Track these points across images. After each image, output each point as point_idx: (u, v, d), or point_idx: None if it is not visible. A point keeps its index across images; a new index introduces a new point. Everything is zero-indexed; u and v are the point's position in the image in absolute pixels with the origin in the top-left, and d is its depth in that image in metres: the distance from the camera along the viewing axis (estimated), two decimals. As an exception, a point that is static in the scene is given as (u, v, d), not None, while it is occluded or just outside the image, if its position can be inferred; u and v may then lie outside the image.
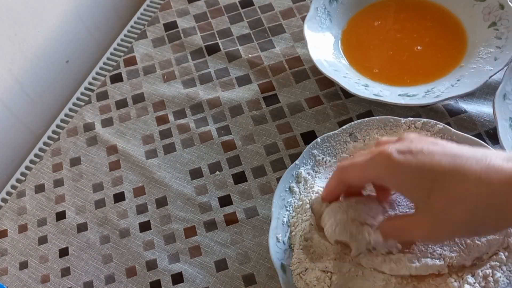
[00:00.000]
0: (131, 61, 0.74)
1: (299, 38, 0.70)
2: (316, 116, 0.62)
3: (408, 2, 0.67)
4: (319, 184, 0.53)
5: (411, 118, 0.53)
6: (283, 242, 0.50)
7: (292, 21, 0.72)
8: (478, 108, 0.58)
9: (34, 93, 0.75)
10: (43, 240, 0.61)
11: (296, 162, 0.54)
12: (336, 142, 0.55)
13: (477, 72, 0.56)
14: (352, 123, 0.55)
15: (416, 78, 0.60)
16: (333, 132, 0.55)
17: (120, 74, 0.73)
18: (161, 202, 0.60)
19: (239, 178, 0.60)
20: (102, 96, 0.71)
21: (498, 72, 0.55)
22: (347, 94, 0.62)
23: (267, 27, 0.72)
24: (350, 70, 0.62)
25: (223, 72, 0.69)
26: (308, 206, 0.51)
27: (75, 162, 0.66)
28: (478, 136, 0.56)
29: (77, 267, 0.58)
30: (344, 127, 0.55)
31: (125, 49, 0.77)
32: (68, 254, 0.59)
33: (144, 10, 0.82)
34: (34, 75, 0.74)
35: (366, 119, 0.55)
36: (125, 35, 0.80)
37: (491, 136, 0.56)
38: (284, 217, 0.52)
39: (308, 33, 0.63)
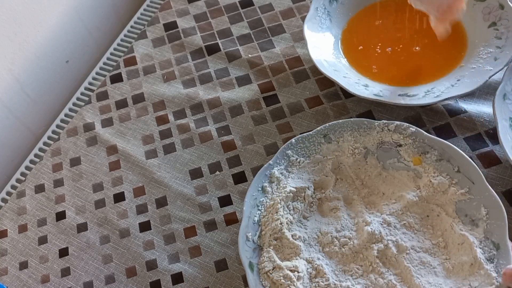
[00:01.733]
0: (131, 61, 0.74)
1: (299, 38, 0.70)
2: (316, 116, 0.62)
3: (408, 2, 0.67)
4: (291, 184, 0.53)
5: (385, 121, 0.54)
6: (253, 241, 0.51)
7: (292, 21, 0.72)
8: (478, 108, 0.58)
9: (34, 93, 0.75)
10: (43, 240, 0.61)
11: (270, 162, 0.54)
12: (310, 143, 0.56)
13: (477, 72, 0.56)
14: (327, 124, 0.55)
15: (416, 78, 0.60)
16: (307, 133, 0.56)
17: (120, 74, 0.73)
18: (161, 202, 0.60)
19: (239, 178, 0.60)
20: (102, 96, 0.71)
21: (498, 72, 0.55)
22: (347, 94, 0.62)
23: (267, 27, 0.72)
24: (350, 70, 0.62)
25: (223, 72, 0.69)
26: (279, 205, 0.52)
27: (75, 162, 0.66)
28: (478, 136, 0.56)
29: (77, 267, 0.58)
30: (318, 128, 0.55)
31: (125, 49, 0.77)
32: (68, 254, 0.59)
33: (144, 10, 0.82)
34: (34, 75, 0.74)
35: (340, 120, 0.55)
36: (125, 35, 0.80)
37: (491, 136, 0.56)
38: (255, 216, 0.52)
39: (308, 33, 0.63)
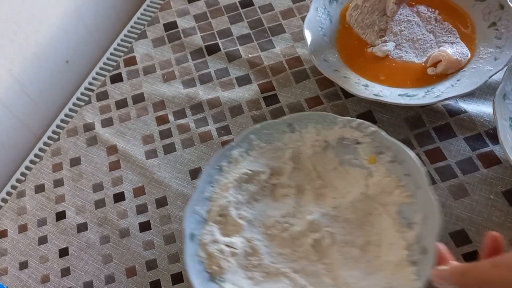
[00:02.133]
0: (131, 61, 0.74)
1: (299, 38, 0.70)
2: (316, 116, 0.62)
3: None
4: (248, 167, 0.55)
5: (349, 118, 0.54)
6: (200, 214, 0.53)
7: (292, 21, 0.72)
8: (478, 108, 0.58)
9: (34, 93, 0.75)
10: (43, 240, 0.61)
11: (233, 143, 0.56)
12: (274, 130, 0.57)
13: (477, 72, 0.56)
14: (293, 114, 0.57)
15: (416, 78, 0.60)
16: (273, 120, 0.57)
17: (120, 74, 0.73)
18: (161, 202, 0.60)
19: (239, 178, 0.60)
20: (102, 96, 0.71)
21: (498, 72, 0.55)
22: (347, 94, 0.62)
23: (267, 27, 0.72)
24: (349, 70, 0.62)
25: (223, 72, 0.69)
26: (231, 185, 0.54)
27: (75, 162, 0.66)
28: (478, 136, 0.56)
29: (77, 267, 0.58)
30: (285, 117, 0.57)
31: (125, 49, 0.77)
32: (68, 254, 0.59)
33: (144, 10, 0.82)
34: (34, 75, 0.74)
35: (307, 112, 0.57)
36: (125, 35, 0.80)
37: (491, 136, 0.56)
38: (207, 192, 0.54)
39: (308, 33, 0.63)
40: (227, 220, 0.53)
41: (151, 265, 0.56)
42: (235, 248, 0.51)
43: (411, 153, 0.50)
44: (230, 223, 0.53)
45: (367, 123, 0.53)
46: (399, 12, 0.63)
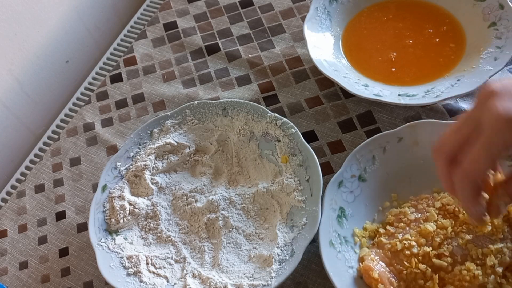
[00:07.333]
0: (131, 61, 0.74)
1: (299, 38, 0.70)
2: (316, 116, 0.62)
3: (408, 3, 0.67)
4: (175, 138, 0.59)
5: (276, 115, 0.57)
6: (119, 170, 0.57)
7: (292, 21, 0.72)
8: (478, 108, 0.58)
9: (34, 93, 0.75)
10: (43, 240, 0.61)
11: (168, 113, 0.60)
12: (209, 111, 0.60)
13: (477, 72, 0.56)
14: (230, 100, 0.60)
15: (416, 78, 0.60)
16: (210, 101, 0.61)
17: (120, 74, 0.73)
18: (161, 202, 0.60)
19: (239, 178, 0.60)
20: (102, 96, 0.71)
21: (498, 72, 0.55)
22: (347, 94, 0.62)
23: (267, 27, 0.72)
24: (350, 70, 0.62)
25: (223, 72, 0.69)
26: (153, 151, 0.58)
27: (75, 162, 0.66)
28: (478, 136, 0.56)
29: (77, 267, 0.58)
30: (221, 100, 0.61)
31: (125, 49, 0.77)
32: (68, 254, 0.59)
33: (144, 10, 0.82)
34: (34, 75, 0.74)
35: (242, 100, 0.60)
36: (125, 35, 0.80)
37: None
38: (132, 152, 0.59)
39: (308, 33, 0.63)
40: (141, 182, 0.57)
41: (151, 265, 0.56)
42: (137, 208, 0.55)
43: (317, 162, 0.53)
44: (142, 185, 0.57)
45: (290, 124, 0.56)
46: None
